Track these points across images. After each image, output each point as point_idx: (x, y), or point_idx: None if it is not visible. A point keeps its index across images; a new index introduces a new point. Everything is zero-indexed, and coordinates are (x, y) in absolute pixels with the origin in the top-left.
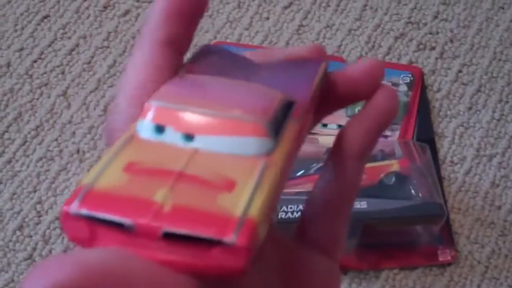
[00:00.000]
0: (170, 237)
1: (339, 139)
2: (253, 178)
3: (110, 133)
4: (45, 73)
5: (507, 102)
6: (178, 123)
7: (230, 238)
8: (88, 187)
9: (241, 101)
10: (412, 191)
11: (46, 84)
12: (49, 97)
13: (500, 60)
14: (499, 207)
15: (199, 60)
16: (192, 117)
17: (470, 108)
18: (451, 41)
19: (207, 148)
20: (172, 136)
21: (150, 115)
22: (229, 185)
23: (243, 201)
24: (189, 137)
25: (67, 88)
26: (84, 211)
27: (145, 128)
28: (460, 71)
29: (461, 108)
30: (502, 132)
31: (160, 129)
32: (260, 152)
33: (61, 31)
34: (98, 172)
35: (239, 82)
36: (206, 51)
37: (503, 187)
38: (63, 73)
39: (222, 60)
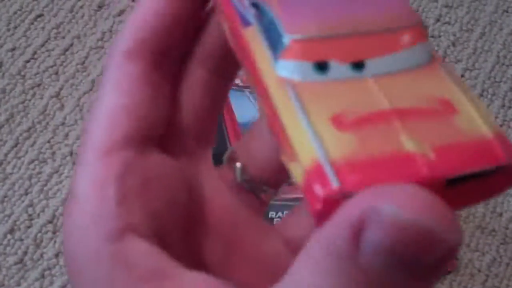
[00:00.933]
0: (449, 184)
1: None
2: (454, 87)
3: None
4: (38, 73)
5: (510, 107)
6: (341, 53)
7: (505, 159)
8: (328, 161)
9: (378, 8)
10: None
11: (39, 85)
12: (42, 98)
13: (503, 64)
14: (501, 214)
15: None
16: (353, 42)
17: None
18: (454, 44)
19: (382, 72)
20: (340, 70)
21: (304, 52)
22: (448, 105)
23: (478, 117)
24: (358, 65)
25: (61, 89)
26: (354, 190)
27: (301, 70)
28: (462, 76)
29: None
30: None
31: (322, 66)
32: (429, 58)
33: (55, 30)
34: (315, 141)
35: None
36: None
37: (505, 194)
38: (56, 73)
39: None
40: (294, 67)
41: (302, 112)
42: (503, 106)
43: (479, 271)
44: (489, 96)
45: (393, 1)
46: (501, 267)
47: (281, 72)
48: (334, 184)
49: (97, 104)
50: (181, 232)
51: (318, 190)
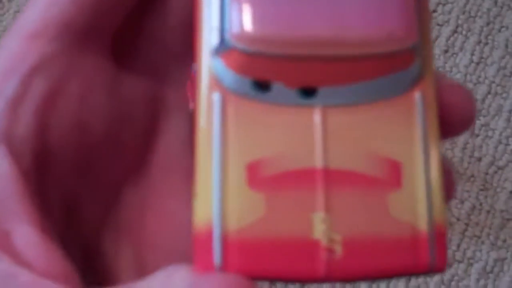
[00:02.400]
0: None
1: None
2: (415, 138)
3: None
4: None
5: (487, 43)
6: (291, 75)
7: (427, 267)
8: (221, 234)
9: (366, 25)
10: None
11: None
12: None
13: None
14: (479, 159)
15: None
16: (312, 66)
17: (446, 51)
18: None
19: (337, 102)
20: (283, 94)
21: (245, 67)
22: (394, 174)
23: (421, 198)
24: (308, 92)
25: None
26: (234, 274)
27: (237, 83)
28: (434, 11)
29: (436, 51)
30: (482, 77)
31: (263, 86)
32: (411, 84)
33: None
34: (217, 200)
35: None
36: None
37: (484, 137)
38: None
39: None
40: (230, 76)
41: (218, 149)
42: (479, 42)
43: (458, 219)
44: (464, 33)
45: (394, 17)
46: (481, 215)
47: (217, 69)
48: (216, 262)
49: None
50: (81, 161)
51: (200, 259)
